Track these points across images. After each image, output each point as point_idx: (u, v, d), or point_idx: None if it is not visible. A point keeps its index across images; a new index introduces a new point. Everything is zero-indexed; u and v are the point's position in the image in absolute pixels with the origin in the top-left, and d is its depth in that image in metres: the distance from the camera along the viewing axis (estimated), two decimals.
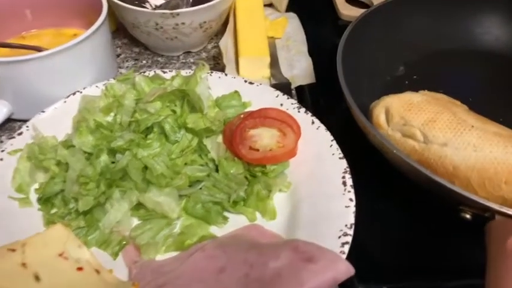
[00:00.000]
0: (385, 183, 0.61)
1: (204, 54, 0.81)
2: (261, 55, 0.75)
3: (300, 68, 0.78)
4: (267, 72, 0.76)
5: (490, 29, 0.78)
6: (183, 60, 0.80)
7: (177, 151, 0.56)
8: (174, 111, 0.59)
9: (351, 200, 0.54)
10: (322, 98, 0.74)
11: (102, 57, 0.70)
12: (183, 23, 0.72)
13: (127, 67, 0.79)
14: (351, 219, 0.52)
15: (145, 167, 0.56)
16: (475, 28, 0.79)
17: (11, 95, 0.67)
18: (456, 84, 0.73)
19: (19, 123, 0.70)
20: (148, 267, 0.51)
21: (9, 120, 0.69)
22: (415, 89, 0.68)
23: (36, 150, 0.58)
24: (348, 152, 0.60)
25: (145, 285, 0.48)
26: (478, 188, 0.51)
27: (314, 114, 0.70)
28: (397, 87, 0.71)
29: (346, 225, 0.51)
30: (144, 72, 0.68)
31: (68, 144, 0.59)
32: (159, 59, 0.80)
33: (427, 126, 0.55)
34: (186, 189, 0.56)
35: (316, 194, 0.56)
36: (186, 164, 0.56)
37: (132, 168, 0.55)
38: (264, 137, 0.59)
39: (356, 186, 0.56)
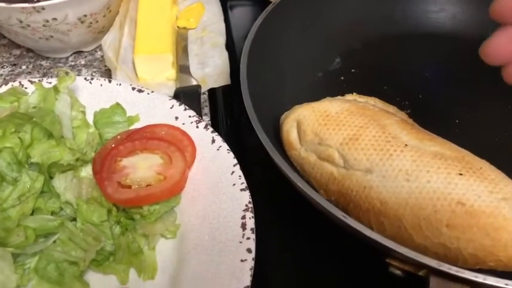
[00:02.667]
0: (303, 221, 0.47)
1: (98, 54, 0.67)
2: (162, 52, 0.60)
3: (213, 65, 0.63)
4: (171, 73, 0.62)
5: (445, 5, 0.64)
6: (72, 63, 0.65)
7: (13, 197, 0.42)
8: (21, 140, 0.45)
9: (248, 250, 0.40)
10: (238, 105, 0.60)
11: None
12: (54, 19, 0.56)
13: (1, 75, 0.64)
14: (246, 281, 0.38)
15: None
16: (427, 5, 0.64)
17: None
18: (404, 77, 0.59)
19: None
20: None
21: None
22: (353, 86, 0.54)
23: None
24: (259, 179, 0.46)
25: None
26: (412, 232, 0.38)
27: (226, 127, 0.57)
28: (331, 86, 0.57)
29: None
30: (8, 83, 0.54)
31: None
32: (43, 62, 0.65)
33: (346, 146, 0.41)
34: (32, 245, 0.42)
35: (207, 242, 0.42)
36: (23, 214, 0.42)
37: None
38: (140, 168, 0.45)
39: (261, 227, 0.42)
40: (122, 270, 0.43)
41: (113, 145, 0.48)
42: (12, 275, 0.40)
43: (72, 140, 0.47)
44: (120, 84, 0.55)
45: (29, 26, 0.57)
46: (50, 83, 0.54)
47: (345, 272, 0.45)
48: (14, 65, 0.65)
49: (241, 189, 0.45)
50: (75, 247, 0.42)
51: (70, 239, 0.42)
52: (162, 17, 0.65)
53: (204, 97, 0.61)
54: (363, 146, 0.41)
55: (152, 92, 0.54)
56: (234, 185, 0.45)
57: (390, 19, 0.63)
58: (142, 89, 0.54)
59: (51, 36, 0.59)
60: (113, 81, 0.55)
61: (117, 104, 0.52)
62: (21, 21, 0.56)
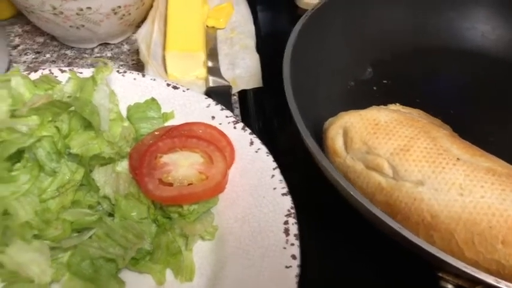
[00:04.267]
0: (346, 229, 0.46)
1: (125, 47, 0.65)
2: (194, 50, 0.59)
3: (244, 67, 0.62)
4: (202, 72, 0.61)
5: (476, 23, 0.64)
6: (98, 55, 0.64)
7: (53, 188, 0.40)
8: (58, 129, 0.43)
9: (293, 257, 0.39)
10: (270, 108, 0.59)
11: None
12: (88, 8, 0.55)
13: (25, 62, 0.62)
14: (292, 287, 0.38)
15: (5, 212, 0.39)
16: (459, 22, 0.64)
17: None
18: (435, 90, 0.60)
19: None
20: None
21: None
22: (386, 97, 0.54)
23: None
24: (297, 185, 0.45)
25: None
26: (464, 247, 0.37)
27: (257, 129, 0.56)
28: (363, 95, 0.57)
29: None
30: (37, 71, 0.52)
31: None
32: (68, 52, 0.64)
33: (397, 157, 0.41)
34: (67, 239, 0.41)
35: (247, 247, 0.41)
36: (63, 207, 0.40)
37: None
38: (181, 166, 0.44)
39: (305, 234, 0.41)
40: (159, 271, 0.41)
41: (152, 141, 0.46)
42: (48, 268, 0.39)
43: (109, 133, 0.46)
44: (154, 80, 0.54)
45: (62, 13, 0.55)
46: (81, 73, 0.52)
47: (389, 283, 0.44)
48: (38, 52, 0.63)
49: (283, 194, 0.44)
50: (112, 244, 0.40)
51: (107, 235, 0.41)
52: (193, 14, 0.64)
53: (234, 98, 0.60)
54: (415, 158, 0.40)
55: (187, 89, 0.53)
56: (274, 189, 0.44)
57: (423, 33, 0.63)
58: (177, 85, 0.53)
59: (82, 26, 0.58)
60: (146, 75, 0.54)
61: (153, 99, 0.51)
62: (54, 8, 0.55)
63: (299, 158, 0.50)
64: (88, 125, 0.44)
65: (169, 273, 0.42)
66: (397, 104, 0.48)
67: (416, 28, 0.63)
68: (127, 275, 0.41)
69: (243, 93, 0.61)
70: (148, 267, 0.41)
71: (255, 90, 0.60)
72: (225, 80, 0.60)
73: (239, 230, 0.43)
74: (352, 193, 0.38)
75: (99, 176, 0.42)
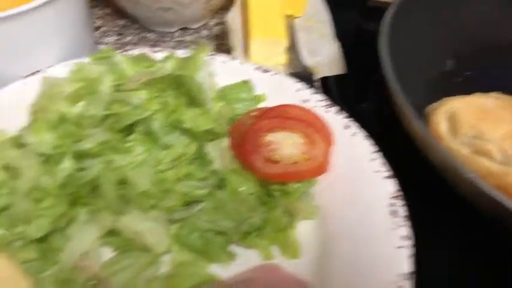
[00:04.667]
0: (449, 215, 0.46)
1: (204, 32, 0.66)
2: (277, 36, 0.60)
3: (324, 54, 0.62)
4: (283, 58, 0.61)
5: None
6: (179, 38, 0.65)
7: (168, 160, 0.41)
8: (165, 105, 0.44)
9: (404, 238, 0.40)
10: (353, 94, 0.59)
11: (73, 28, 0.54)
12: None
13: (107, 43, 0.63)
14: (407, 267, 0.38)
15: (122, 181, 0.40)
16: None
17: None
18: None
19: None
20: None
21: None
22: (471, 89, 0.54)
23: None
24: (394, 169, 0.45)
25: None
26: None
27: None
28: (449, 85, 0.57)
29: (399, 275, 0.37)
30: (128, 50, 0.53)
31: (19, 143, 0.43)
32: (149, 35, 0.65)
33: (507, 142, 0.41)
34: (178, 211, 0.41)
35: (353, 229, 0.42)
36: (178, 178, 0.41)
37: (105, 182, 0.40)
38: (285, 145, 0.44)
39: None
40: (265, 246, 0.42)
41: (250, 121, 0.47)
42: (165, 238, 0.39)
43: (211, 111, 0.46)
44: (242, 63, 0.54)
45: None
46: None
47: (495, 269, 0.44)
48: (120, 34, 0.65)
49: (386, 177, 0.44)
50: (222, 217, 0.41)
51: (217, 209, 0.41)
52: (274, 1, 0.64)
53: (316, 85, 0.60)
54: None
55: (277, 73, 0.53)
56: (377, 172, 0.44)
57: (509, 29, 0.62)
58: (267, 69, 0.54)
59: (170, 8, 0.59)
60: (236, 59, 0.54)
61: (245, 81, 0.52)
62: None
63: (389, 143, 0.50)
64: (192, 102, 0.45)
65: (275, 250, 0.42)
66: (498, 92, 0.48)
67: (503, 25, 0.63)
68: (234, 250, 0.42)
69: (323, 81, 0.61)
70: (255, 243, 0.42)
71: (337, 78, 0.61)
72: (306, 67, 0.60)
73: (342, 212, 0.43)
74: (468, 175, 0.38)
75: (211, 150, 0.42)
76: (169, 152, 0.41)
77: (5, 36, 0.48)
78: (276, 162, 0.43)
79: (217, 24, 0.67)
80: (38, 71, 0.50)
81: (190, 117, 0.43)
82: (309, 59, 0.62)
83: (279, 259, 0.42)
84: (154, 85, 0.45)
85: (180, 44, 0.63)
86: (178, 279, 0.39)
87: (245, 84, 0.51)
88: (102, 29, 0.64)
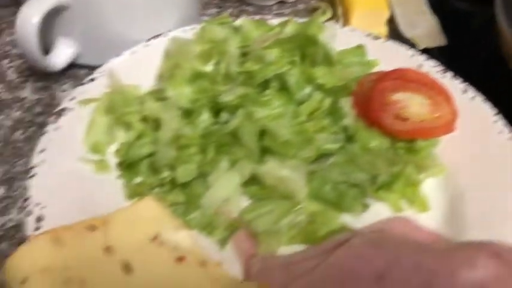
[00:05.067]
0: None
1: (301, 6, 0.67)
2: (379, 8, 0.61)
3: (423, 26, 0.63)
4: (383, 30, 0.62)
5: None
6: (276, 11, 0.66)
7: (305, 113, 0.43)
8: (295, 63, 0.46)
9: None
10: (455, 66, 0.60)
11: None
12: None
13: (210, 15, 0.65)
14: None
15: (262, 132, 0.42)
16: None
17: (78, 34, 0.54)
18: None
19: (84, 71, 0.56)
20: (274, 264, 0.38)
21: (72, 66, 0.56)
22: None
23: (119, 101, 0.45)
24: None
25: None
26: None
27: None
28: None
29: None
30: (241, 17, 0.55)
31: (158, 96, 0.46)
32: (248, 8, 0.66)
33: None
34: (311, 164, 0.43)
35: (483, 184, 0.43)
36: (315, 130, 0.43)
37: (246, 132, 0.42)
38: (412, 104, 0.45)
39: None
40: (395, 200, 0.43)
41: (370, 83, 0.48)
42: (304, 187, 0.41)
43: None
44: (353, 30, 0.55)
45: None
46: None
47: None
48: (219, 7, 0.67)
49: (510, 138, 0.45)
50: (356, 170, 0.42)
51: (349, 162, 0.43)
52: None
53: None
54: None
55: (387, 40, 0.54)
56: (500, 133, 0.45)
57: None
58: (378, 36, 0.55)
59: None
60: (344, 27, 0.56)
61: (359, 46, 0.53)
62: None
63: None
64: (319, 62, 0.47)
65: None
66: None
67: None
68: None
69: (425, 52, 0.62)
70: (386, 196, 0.43)
71: (439, 49, 0.61)
72: (406, 39, 0.61)
73: (468, 171, 0.44)
74: None
75: (344, 105, 0.44)
76: (306, 105, 0.43)
77: (133, 1, 0.51)
78: (404, 119, 0.44)
79: None
80: (160, 35, 0.52)
81: (321, 74, 0.44)
82: (409, 32, 0.63)
83: (408, 213, 0.43)
84: (282, 45, 0.46)
85: (279, 17, 0.64)
86: (314, 227, 0.41)
87: (359, 49, 0.53)
88: (202, 1, 0.66)
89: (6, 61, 0.58)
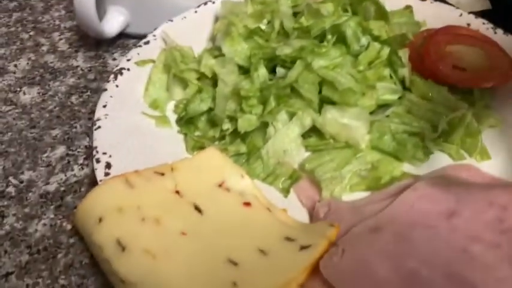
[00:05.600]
0: None
1: None
2: None
3: None
4: None
5: None
6: None
7: (365, 62, 0.43)
8: (350, 17, 0.46)
9: None
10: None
11: None
12: None
13: None
14: None
15: (322, 82, 0.42)
16: None
17: (129, 2, 0.55)
18: None
19: (133, 41, 0.57)
20: (341, 207, 0.38)
21: (121, 36, 0.57)
22: None
23: (176, 59, 0.45)
24: None
25: (349, 227, 0.35)
26: None
27: None
28: None
29: None
30: None
31: (214, 54, 0.46)
32: None
33: None
34: (371, 115, 0.43)
35: None
36: (376, 78, 0.43)
37: (305, 83, 0.42)
38: (469, 55, 0.45)
39: None
40: (456, 149, 0.43)
41: (428, 37, 0.48)
42: (366, 134, 0.41)
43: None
44: None
45: None
46: None
47: None
48: None
49: None
50: (416, 119, 0.42)
51: (409, 112, 0.43)
52: None
53: None
54: None
55: (434, 1, 0.54)
56: None
57: None
58: None
59: None
60: None
61: (407, 6, 0.53)
62: None
63: None
64: (371, 17, 0.47)
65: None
66: None
67: None
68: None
69: None
70: (446, 146, 0.43)
71: (484, 13, 0.61)
72: (451, 4, 0.61)
73: None
74: None
75: (402, 56, 0.44)
76: (364, 55, 0.43)
77: None
78: (462, 69, 0.44)
79: None
80: (208, 2, 0.53)
81: (377, 27, 0.44)
82: None
83: (469, 161, 0.42)
84: (336, 0, 0.47)
85: None
86: (377, 174, 0.41)
87: (406, 10, 0.53)
88: None
89: (56, 33, 0.59)
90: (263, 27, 0.48)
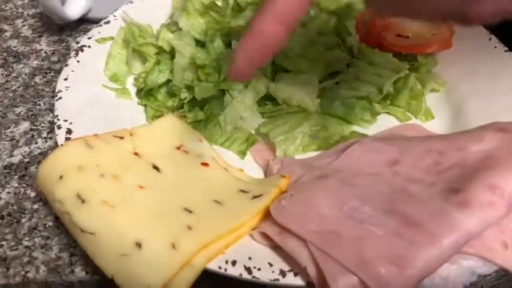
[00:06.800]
0: None
1: None
2: None
3: None
4: None
5: None
6: None
7: (313, 30, 0.45)
8: None
9: None
10: None
11: None
12: None
13: None
14: None
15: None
16: None
17: None
18: None
19: (95, 26, 0.59)
20: (293, 163, 0.40)
21: (83, 21, 0.58)
22: None
23: (136, 32, 0.47)
24: None
25: (298, 178, 0.37)
26: None
27: None
28: None
29: None
30: None
31: (171, 29, 0.48)
32: None
33: None
34: (320, 82, 0.45)
35: (485, 91, 0.45)
36: (324, 48, 0.45)
37: None
38: (412, 25, 0.48)
39: None
40: (401, 112, 0.45)
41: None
42: (315, 99, 0.43)
43: None
44: None
45: None
46: None
47: None
48: None
49: (506, 51, 0.47)
50: (363, 84, 0.45)
51: (357, 78, 0.45)
52: None
53: None
54: None
55: None
56: (495, 47, 0.48)
57: None
58: None
59: None
60: None
61: None
62: None
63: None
64: None
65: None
66: None
67: None
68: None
69: None
70: (393, 109, 0.45)
71: None
72: None
73: (470, 82, 0.46)
74: None
75: (349, 24, 0.46)
76: (313, 24, 0.46)
77: None
78: (406, 37, 0.47)
79: None
80: None
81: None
82: None
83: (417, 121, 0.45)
84: None
85: None
86: (327, 134, 0.43)
87: None
88: None
89: (19, 20, 0.60)
90: (219, 3, 0.50)
